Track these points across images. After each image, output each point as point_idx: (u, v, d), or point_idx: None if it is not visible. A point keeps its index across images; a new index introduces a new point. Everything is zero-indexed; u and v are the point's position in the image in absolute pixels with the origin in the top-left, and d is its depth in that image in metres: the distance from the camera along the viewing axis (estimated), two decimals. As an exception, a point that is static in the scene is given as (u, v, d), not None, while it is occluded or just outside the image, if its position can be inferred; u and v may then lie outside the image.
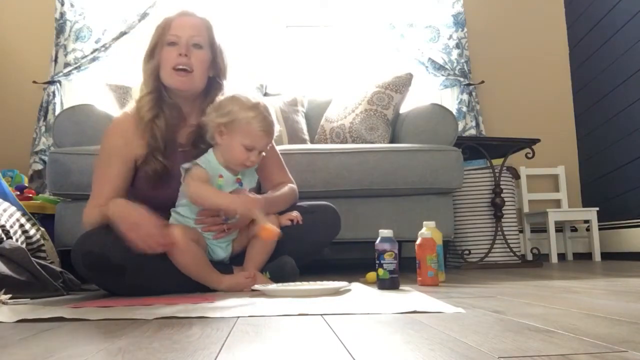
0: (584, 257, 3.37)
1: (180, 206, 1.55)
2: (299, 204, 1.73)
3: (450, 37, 3.41)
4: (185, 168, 1.51)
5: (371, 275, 1.67)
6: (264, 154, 1.58)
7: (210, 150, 1.57)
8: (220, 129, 1.51)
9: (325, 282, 1.48)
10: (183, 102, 1.65)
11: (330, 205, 1.78)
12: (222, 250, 1.58)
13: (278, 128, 1.60)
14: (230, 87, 1.71)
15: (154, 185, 1.58)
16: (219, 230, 1.55)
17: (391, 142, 2.51)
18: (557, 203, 3.50)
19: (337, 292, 1.36)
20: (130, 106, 1.66)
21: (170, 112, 1.61)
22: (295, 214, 1.63)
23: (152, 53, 1.60)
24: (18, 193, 2.29)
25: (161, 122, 1.58)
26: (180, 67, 1.56)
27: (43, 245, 1.82)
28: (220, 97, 1.58)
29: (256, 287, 1.41)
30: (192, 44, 1.58)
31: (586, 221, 3.28)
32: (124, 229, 1.39)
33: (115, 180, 1.58)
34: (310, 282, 1.48)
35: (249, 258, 1.59)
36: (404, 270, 1.82)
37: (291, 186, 1.75)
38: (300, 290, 1.36)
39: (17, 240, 1.63)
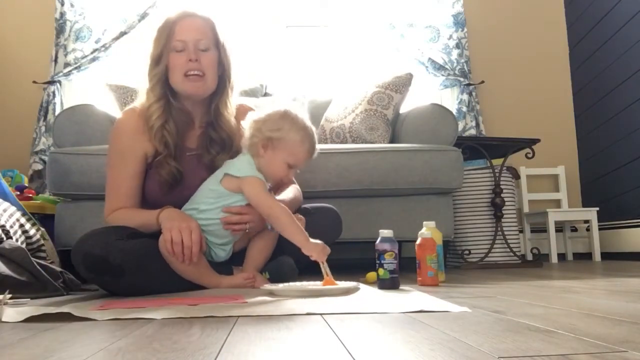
0: (584, 257, 3.38)
1: (205, 206, 1.53)
2: (302, 206, 1.73)
3: (450, 37, 3.41)
4: (236, 175, 1.50)
5: (371, 275, 1.67)
6: (298, 170, 1.59)
7: (250, 158, 1.53)
8: (266, 142, 1.51)
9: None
10: (191, 105, 1.64)
11: (332, 207, 1.78)
12: (224, 252, 1.58)
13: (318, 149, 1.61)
14: (237, 84, 1.71)
15: (168, 189, 1.58)
16: (240, 229, 1.55)
17: (391, 142, 2.51)
18: (557, 203, 3.50)
19: (347, 292, 1.35)
20: (134, 105, 1.66)
21: (179, 116, 1.61)
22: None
23: (159, 60, 1.58)
24: (18, 193, 2.29)
25: (171, 127, 1.58)
26: (193, 72, 1.56)
27: (43, 245, 1.82)
28: (271, 109, 1.54)
29: (266, 286, 1.41)
30: (200, 48, 1.57)
31: (586, 221, 3.28)
32: (171, 229, 1.41)
33: (132, 179, 1.58)
34: (314, 282, 1.47)
35: (249, 258, 1.59)
36: (404, 270, 1.82)
37: (297, 187, 1.75)
38: (310, 290, 1.35)
39: (17, 240, 1.63)
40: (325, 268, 1.42)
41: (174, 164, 1.57)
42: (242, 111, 1.72)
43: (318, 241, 1.44)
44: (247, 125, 1.55)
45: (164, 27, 1.59)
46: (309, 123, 1.56)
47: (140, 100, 1.64)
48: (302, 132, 1.52)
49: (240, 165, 1.52)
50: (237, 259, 1.62)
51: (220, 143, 1.63)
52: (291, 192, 1.69)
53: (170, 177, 1.57)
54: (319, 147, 1.61)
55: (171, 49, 1.57)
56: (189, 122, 1.65)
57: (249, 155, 1.54)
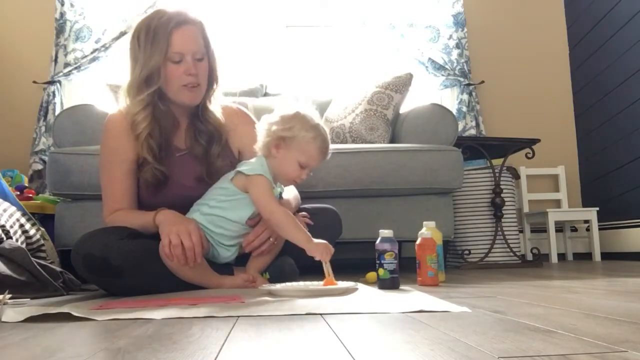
0: (584, 257, 3.37)
1: (215, 203, 1.53)
2: (301, 206, 1.73)
3: (450, 37, 3.41)
4: (245, 173, 1.49)
5: (371, 275, 1.66)
6: (311, 173, 1.59)
7: (263, 159, 1.53)
8: (279, 142, 1.51)
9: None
10: (176, 108, 1.65)
11: (332, 208, 1.78)
12: (229, 252, 1.57)
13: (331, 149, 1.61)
14: (227, 83, 1.71)
15: (154, 191, 1.58)
16: (267, 248, 1.55)
17: (391, 142, 2.51)
18: (557, 203, 3.50)
19: (345, 292, 1.35)
20: (122, 106, 1.63)
21: (164, 119, 1.61)
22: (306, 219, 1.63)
23: (157, 70, 1.53)
24: (18, 193, 2.29)
25: (156, 133, 1.58)
26: (192, 85, 1.57)
27: (43, 245, 1.82)
28: (283, 110, 1.54)
29: (265, 286, 1.41)
30: (196, 58, 1.57)
31: (586, 221, 3.28)
32: (170, 233, 1.40)
33: (124, 180, 1.59)
34: (314, 282, 1.47)
35: (253, 259, 1.59)
36: (404, 270, 1.82)
37: (293, 187, 1.75)
38: (309, 290, 1.35)
39: (17, 240, 1.63)
40: (327, 268, 1.41)
41: (157, 167, 1.57)
42: (228, 112, 1.72)
43: (322, 240, 1.44)
44: (260, 127, 1.55)
45: (161, 36, 1.53)
46: (321, 122, 1.57)
47: (125, 102, 1.61)
48: (313, 131, 1.51)
49: (252, 164, 1.52)
50: (240, 259, 1.62)
51: (208, 133, 1.64)
52: (292, 191, 1.70)
53: (153, 179, 1.57)
54: (332, 147, 1.60)
55: (169, 60, 1.55)
56: (175, 123, 1.65)
57: (263, 156, 1.55)
